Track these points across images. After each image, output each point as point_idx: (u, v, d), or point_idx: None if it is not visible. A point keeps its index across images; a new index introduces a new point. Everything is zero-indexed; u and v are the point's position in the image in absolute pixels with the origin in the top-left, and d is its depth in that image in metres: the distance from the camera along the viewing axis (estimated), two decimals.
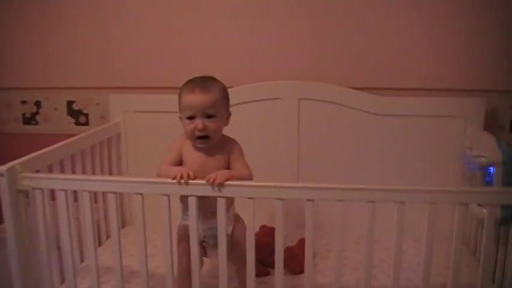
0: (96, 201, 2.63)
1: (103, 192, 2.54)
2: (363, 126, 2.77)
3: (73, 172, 2.45)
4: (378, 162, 2.77)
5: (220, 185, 1.86)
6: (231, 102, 2.77)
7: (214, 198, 1.89)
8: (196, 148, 2.07)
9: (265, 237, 2.44)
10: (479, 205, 2.10)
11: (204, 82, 2.04)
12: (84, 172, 2.57)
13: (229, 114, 2.12)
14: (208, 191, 1.88)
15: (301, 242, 2.42)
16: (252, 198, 1.88)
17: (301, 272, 2.09)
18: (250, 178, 2.02)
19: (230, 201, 2.08)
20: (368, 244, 1.88)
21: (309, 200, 1.85)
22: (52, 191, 2.05)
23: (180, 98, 2.05)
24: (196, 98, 1.98)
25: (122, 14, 2.95)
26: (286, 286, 2.19)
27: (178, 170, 1.92)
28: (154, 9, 2.91)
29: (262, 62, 2.88)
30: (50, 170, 2.25)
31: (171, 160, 2.08)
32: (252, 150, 2.74)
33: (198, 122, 1.99)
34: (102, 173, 2.76)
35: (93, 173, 2.66)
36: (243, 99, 2.78)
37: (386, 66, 2.81)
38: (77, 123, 3.13)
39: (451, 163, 2.72)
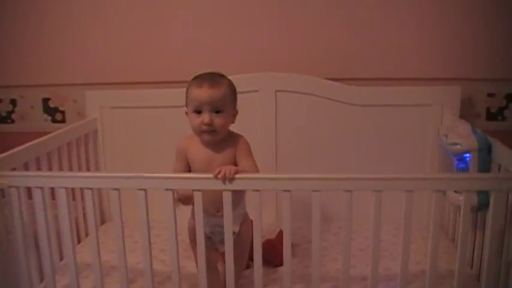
0: (74, 199, 2.62)
1: (81, 189, 2.52)
2: (341, 117, 2.78)
3: (50, 170, 2.43)
4: (356, 153, 2.78)
5: (230, 180, 1.85)
6: None
7: (221, 196, 1.88)
8: (204, 144, 2.08)
9: None
10: (456, 192, 2.12)
11: (212, 77, 2.05)
12: (61, 169, 2.54)
13: (236, 112, 2.13)
14: (214, 185, 1.87)
15: (280, 235, 2.42)
16: (258, 190, 1.87)
17: (281, 264, 2.09)
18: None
19: (238, 199, 2.07)
20: (346, 234, 1.88)
21: (285, 190, 1.86)
22: (29, 190, 2.03)
23: (187, 92, 2.06)
24: (204, 92, 1.99)
25: (96, 10, 2.92)
26: (265, 279, 2.20)
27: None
28: (129, 4, 2.90)
29: (239, 55, 2.88)
30: (26, 168, 2.22)
31: (180, 170, 2.11)
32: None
33: (205, 116, 1.99)
34: (80, 170, 2.74)
35: (70, 170, 2.64)
36: None
37: (362, 57, 2.82)
38: (54, 121, 3.10)
39: (428, 151, 2.74)
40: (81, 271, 2.23)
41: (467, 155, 2.15)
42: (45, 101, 3.09)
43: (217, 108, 2.01)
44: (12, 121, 3.15)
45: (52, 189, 2.12)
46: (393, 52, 2.81)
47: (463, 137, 2.17)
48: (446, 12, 2.76)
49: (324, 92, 2.75)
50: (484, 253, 1.97)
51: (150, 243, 1.95)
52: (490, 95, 2.84)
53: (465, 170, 2.17)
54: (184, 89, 2.72)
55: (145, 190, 1.89)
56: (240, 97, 2.75)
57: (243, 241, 2.13)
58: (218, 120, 2.01)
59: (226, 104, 2.03)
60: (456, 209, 2.46)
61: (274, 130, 2.81)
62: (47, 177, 2.03)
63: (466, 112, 2.79)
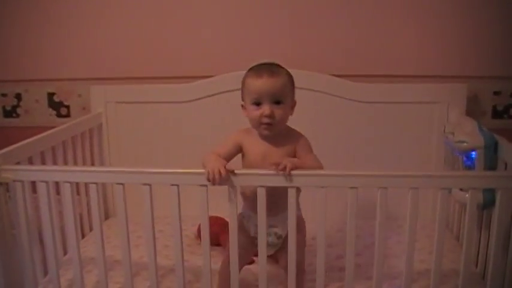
0: (78, 194, 2.62)
1: (85, 184, 2.52)
2: (346, 114, 2.78)
3: (54, 164, 2.42)
4: (362, 149, 2.78)
5: (290, 173, 1.80)
6: (209, 91, 2.79)
7: (273, 195, 1.86)
8: (262, 138, 2.02)
9: None
10: (461, 190, 2.11)
11: (271, 67, 1.99)
12: (65, 164, 2.54)
13: (295, 103, 2.06)
14: (274, 181, 1.84)
15: None
16: (323, 187, 1.85)
17: None
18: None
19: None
20: (350, 231, 1.88)
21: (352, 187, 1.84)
22: (34, 184, 2.02)
23: (244, 83, 2.00)
24: (264, 83, 1.93)
25: (102, 5, 2.92)
26: (270, 273, 2.19)
27: (210, 164, 1.83)
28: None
29: (243, 51, 2.87)
30: (31, 162, 2.22)
31: (222, 152, 1.99)
32: None
33: (266, 108, 1.93)
34: (84, 165, 2.74)
35: (75, 165, 2.64)
36: (224, 89, 2.79)
37: (368, 54, 2.82)
38: (59, 115, 3.11)
39: (434, 149, 2.74)
40: (85, 265, 2.24)
41: (474, 152, 2.14)
42: (50, 95, 3.09)
43: (277, 98, 1.94)
44: (17, 115, 3.15)
45: (57, 184, 2.11)
46: (399, 49, 2.80)
47: (470, 134, 2.16)
48: (453, 9, 2.75)
49: (329, 88, 2.75)
50: (489, 251, 1.97)
51: (154, 237, 1.95)
52: (496, 93, 2.82)
53: (471, 167, 2.16)
54: (190, 84, 2.75)
55: (150, 185, 1.88)
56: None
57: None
58: (278, 112, 1.94)
59: (286, 94, 1.97)
60: (462, 207, 2.45)
61: None
62: (51, 171, 2.02)
63: (472, 110, 2.77)
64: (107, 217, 3.00)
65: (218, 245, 2.51)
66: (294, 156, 1.99)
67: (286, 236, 1.95)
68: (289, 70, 2.63)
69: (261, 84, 1.93)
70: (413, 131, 2.74)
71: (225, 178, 1.81)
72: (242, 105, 2.04)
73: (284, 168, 1.79)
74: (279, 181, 1.83)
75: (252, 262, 2.33)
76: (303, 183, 1.87)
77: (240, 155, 2.07)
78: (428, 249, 2.13)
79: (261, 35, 2.86)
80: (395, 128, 2.75)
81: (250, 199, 1.93)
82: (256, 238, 1.96)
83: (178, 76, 2.85)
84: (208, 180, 1.81)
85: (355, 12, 2.79)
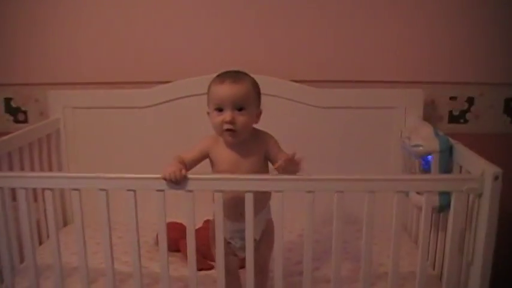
0: (36, 200, 2.57)
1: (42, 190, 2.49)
2: (305, 119, 2.79)
3: (10, 170, 2.38)
4: (320, 154, 2.78)
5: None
6: (168, 97, 2.77)
7: (243, 199, 1.87)
8: (229, 146, 2.00)
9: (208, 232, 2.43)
10: (418, 193, 2.14)
11: (236, 74, 1.99)
12: (22, 170, 2.50)
13: (260, 112, 2.05)
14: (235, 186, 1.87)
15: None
16: (280, 191, 1.87)
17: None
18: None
19: (262, 203, 2.02)
20: (308, 235, 1.89)
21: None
22: None
23: (208, 90, 2.00)
24: (226, 89, 1.92)
25: (57, 10, 2.88)
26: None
27: (170, 167, 1.85)
28: (93, 3, 2.86)
29: (203, 56, 2.86)
30: None
31: (187, 157, 1.99)
32: (193, 143, 2.74)
33: (227, 114, 1.92)
34: (41, 171, 2.69)
35: (32, 171, 2.59)
36: (184, 94, 2.79)
37: (327, 59, 2.83)
38: (16, 121, 3.05)
39: (392, 153, 2.76)
40: (42, 272, 2.20)
41: (430, 156, 2.17)
42: (7, 100, 3.03)
43: (239, 105, 1.92)
44: None
45: (13, 191, 2.07)
46: (357, 55, 2.82)
47: (426, 139, 2.19)
48: (410, 16, 2.79)
49: (288, 94, 2.76)
50: (445, 254, 1.99)
51: (111, 243, 1.93)
52: (452, 98, 2.87)
53: (428, 171, 2.19)
54: (148, 90, 2.73)
55: (106, 190, 1.86)
56: (203, 99, 2.75)
57: (264, 249, 2.05)
58: (240, 118, 1.92)
59: (249, 101, 1.95)
60: (419, 210, 2.48)
61: None
62: (6, 177, 2.00)
63: (430, 115, 2.82)
64: (65, 224, 2.95)
65: (177, 250, 2.50)
66: (266, 158, 2.02)
67: (259, 240, 2.03)
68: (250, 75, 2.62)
69: (224, 90, 1.93)
70: (372, 135, 2.77)
71: (180, 180, 1.83)
72: (208, 112, 2.02)
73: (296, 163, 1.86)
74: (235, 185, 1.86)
75: (211, 268, 2.32)
76: (261, 188, 1.87)
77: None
78: (387, 253, 2.15)
79: (220, 40, 2.85)
80: (354, 132, 2.77)
81: (224, 206, 1.92)
82: (229, 242, 2.03)
83: (136, 81, 2.84)
84: (164, 179, 1.84)
85: (315, 18, 2.81)
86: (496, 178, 1.83)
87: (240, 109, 1.93)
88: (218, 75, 2.00)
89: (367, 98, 2.74)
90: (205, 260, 2.38)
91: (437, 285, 2.21)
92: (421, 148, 2.18)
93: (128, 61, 2.88)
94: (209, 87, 2.00)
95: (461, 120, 2.90)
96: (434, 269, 2.36)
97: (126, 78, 2.88)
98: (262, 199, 1.98)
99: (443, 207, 2.08)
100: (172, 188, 1.85)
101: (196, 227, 2.45)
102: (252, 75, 2.72)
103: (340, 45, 2.82)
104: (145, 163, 2.70)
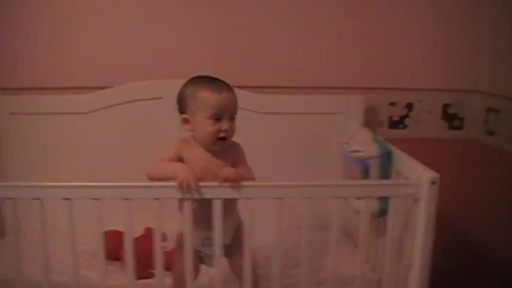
0: None
1: None
2: (247, 125, 2.74)
3: None
4: (262, 160, 2.74)
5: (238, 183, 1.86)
6: (113, 101, 2.72)
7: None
8: (204, 149, 2.00)
9: (150, 240, 2.40)
10: (358, 198, 2.16)
11: (224, 83, 1.99)
12: None
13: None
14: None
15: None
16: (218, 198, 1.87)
17: None
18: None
19: (229, 209, 2.00)
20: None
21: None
22: None
23: (196, 97, 1.96)
24: (225, 98, 1.93)
25: None
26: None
27: (183, 173, 1.85)
28: (28, 6, 2.78)
29: (143, 61, 2.81)
30: None
31: (168, 159, 1.98)
32: (135, 150, 2.71)
33: (225, 123, 1.93)
34: None
35: None
36: (125, 99, 2.72)
37: (269, 65, 2.84)
38: None
39: (333, 159, 2.77)
40: None
41: (368, 162, 2.19)
42: None
43: (233, 114, 1.97)
44: None
45: None
46: (298, 61, 2.83)
47: (365, 144, 2.21)
48: (351, 23, 2.83)
49: None
50: (385, 258, 2.02)
51: (47, 252, 1.89)
52: (392, 103, 2.91)
53: (366, 176, 2.21)
54: (87, 95, 2.68)
55: (40, 200, 1.82)
56: (144, 104, 2.72)
57: (240, 253, 2.02)
58: (232, 127, 1.97)
59: (237, 109, 2.00)
60: (359, 215, 2.50)
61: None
62: None
63: (370, 120, 2.85)
64: (3, 235, 2.86)
65: (117, 259, 2.46)
66: (233, 162, 2.03)
67: (230, 245, 2.04)
68: (180, 81, 2.61)
69: (223, 99, 1.93)
70: (313, 141, 2.78)
71: (195, 189, 1.84)
72: (185, 119, 2.00)
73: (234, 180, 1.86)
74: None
75: (151, 276, 2.29)
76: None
77: None
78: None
79: (161, 45, 2.81)
80: (295, 138, 2.78)
81: (195, 215, 1.91)
82: (200, 251, 2.02)
83: (75, 87, 2.77)
84: (181, 189, 1.84)
85: (256, 23, 2.81)
86: (433, 183, 1.87)
87: (232, 118, 1.97)
88: (203, 82, 1.99)
89: (308, 104, 2.75)
90: (145, 269, 2.34)
91: None
92: (360, 153, 2.20)
93: (67, 66, 2.80)
94: (194, 94, 1.97)
95: (401, 126, 2.94)
96: (374, 273, 2.38)
97: (64, 84, 2.80)
98: (231, 204, 1.98)
99: (382, 212, 2.11)
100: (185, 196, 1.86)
101: (137, 235, 2.45)
102: (185, 80, 2.72)
103: (281, 51, 2.83)
104: (83, 171, 2.68)
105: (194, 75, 2.70)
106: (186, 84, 2.04)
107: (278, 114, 2.75)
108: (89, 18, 2.79)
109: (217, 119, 1.94)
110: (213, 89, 1.95)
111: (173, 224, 2.00)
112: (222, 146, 1.98)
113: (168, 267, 2.29)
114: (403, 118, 2.94)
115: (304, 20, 2.81)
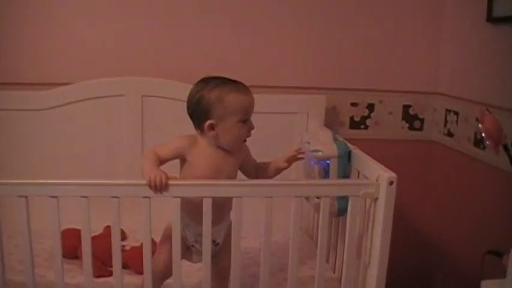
0: None
1: None
2: None
3: None
4: None
5: None
6: (74, 98, 2.68)
7: (218, 205, 1.88)
8: (215, 148, 1.98)
9: (109, 238, 2.38)
10: (318, 197, 2.17)
11: (242, 83, 2.00)
12: None
13: None
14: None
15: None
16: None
17: None
18: None
19: (227, 208, 1.99)
20: (206, 239, 1.89)
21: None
22: None
23: (224, 101, 1.92)
24: (251, 100, 1.97)
25: None
26: (129, 285, 2.19)
27: (154, 172, 1.81)
28: None
29: (104, 58, 2.78)
30: None
31: (161, 153, 1.93)
32: (96, 148, 2.68)
33: (251, 124, 1.99)
34: None
35: None
36: (85, 96, 2.68)
37: (229, 64, 2.81)
38: None
39: None
40: None
41: (328, 161, 2.20)
42: None
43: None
44: None
45: None
46: (260, 60, 2.84)
47: (324, 144, 2.22)
48: (311, 23, 2.84)
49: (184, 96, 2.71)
50: (345, 256, 2.03)
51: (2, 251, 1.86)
52: (353, 104, 2.94)
53: (326, 176, 2.22)
54: (48, 91, 2.63)
55: None
56: (105, 102, 2.69)
57: (227, 253, 1.97)
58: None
59: None
60: (319, 214, 2.52)
61: (141, 135, 2.73)
62: None
63: (331, 120, 2.88)
64: None
65: (77, 257, 2.43)
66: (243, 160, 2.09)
67: (223, 243, 2.05)
68: (142, 78, 2.60)
69: (250, 101, 1.97)
70: (275, 140, 2.75)
71: (164, 187, 1.81)
72: (211, 124, 1.95)
73: None
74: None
75: (110, 274, 2.27)
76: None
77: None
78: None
79: (123, 43, 2.78)
80: (257, 137, 2.75)
81: (192, 208, 1.92)
82: (193, 245, 2.01)
83: (36, 83, 2.72)
84: (150, 187, 1.81)
85: (215, 21, 2.81)
86: (391, 183, 1.88)
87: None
88: (228, 85, 1.96)
89: (269, 103, 2.74)
90: (104, 267, 2.33)
91: None
92: (320, 153, 2.20)
93: (27, 62, 2.76)
94: (222, 98, 1.93)
95: (362, 126, 2.97)
96: (334, 273, 2.40)
97: (24, 80, 2.75)
98: (225, 203, 1.96)
99: (342, 211, 2.12)
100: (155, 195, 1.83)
101: (96, 234, 2.42)
102: (153, 78, 2.70)
103: (242, 49, 2.83)
104: (42, 168, 2.64)
105: (156, 73, 2.72)
106: (205, 89, 1.97)
107: None
108: (48, 14, 2.75)
109: (245, 120, 1.95)
110: (240, 91, 1.95)
111: (132, 222, 1.98)
112: (242, 147, 2.05)
113: (126, 266, 2.30)
114: (364, 118, 2.96)
115: (265, 20, 2.82)
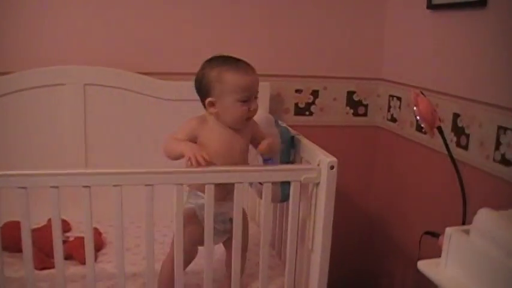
0: None
1: None
2: (150, 111, 2.72)
3: None
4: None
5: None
6: (12, 88, 2.61)
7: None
8: (225, 126, 2.00)
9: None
10: (260, 184, 2.18)
11: (246, 63, 2.02)
12: None
13: None
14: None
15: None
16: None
17: None
18: None
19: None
20: (118, 228, 1.90)
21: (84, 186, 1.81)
22: None
23: (222, 80, 1.95)
24: (252, 79, 1.98)
25: None
26: (75, 276, 2.20)
27: (190, 149, 1.87)
28: None
29: (45, 47, 2.70)
30: None
31: (183, 138, 1.96)
32: (37, 137, 2.63)
33: (255, 104, 1.99)
34: None
35: None
36: (26, 85, 2.61)
37: (173, 52, 2.80)
38: None
39: None
40: None
41: None
42: None
43: (257, 93, 2.02)
44: None
45: None
46: (202, 48, 2.77)
47: (266, 129, 2.22)
48: (254, 11, 2.85)
49: (133, 86, 2.68)
50: (288, 241, 2.04)
51: None
52: (297, 91, 2.95)
53: (268, 162, 2.23)
54: None
55: None
56: (47, 90, 2.64)
57: (244, 227, 2.03)
58: (257, 105, 2.02)
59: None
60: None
61: (83, 124, 2.67)
62: None
63: (276, 107, 2.88)
64: None
65: (20, 251, 2.38)
66: (252, 136, 2.09)
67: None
68: (94, 68, 2.56)
69: (251, 80, 1.97)
70: None
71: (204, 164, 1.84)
72: (211, 102, 1.98)
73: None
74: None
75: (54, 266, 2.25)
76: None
77: None
78: None
79: (65, 31, 2.71)
80: None
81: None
82: (213, 227, 1.97)
83: None
84: (191, 164, 1.84)
85: (156, 11, 2.77)
86: (331, 167, 1.91)
87: (256, 97, 2.01)
88: (229, 64, 1.99)
89: None
90: (48, 259, 2.29)
91: (283, 274, 2.26)
92: None
93: None
94: (222, 78, 1.96)
95: (307, 113, 2.99)
96: (280, 259, 2.42)
97: None
98: None
99: (285, 197, 2.13)
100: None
101: (40, 226, 2.39)
102: (96, 67, 2.66)
103: (184, 36, 2.81)
104: None
105: (98, 62, 2.67)
106: (207, 67, 2.01)
107: (183, 100, 2.66)
108: None
109: (245, 100, 1.95)
110: (239, 71, 1.96)
111: (77, 213, 1.96)
112: (247, 124, 2.03)
113: (71, 256, 2.28)
114: (309, 105, 2.98)
115: (211, 7, 2.80)
